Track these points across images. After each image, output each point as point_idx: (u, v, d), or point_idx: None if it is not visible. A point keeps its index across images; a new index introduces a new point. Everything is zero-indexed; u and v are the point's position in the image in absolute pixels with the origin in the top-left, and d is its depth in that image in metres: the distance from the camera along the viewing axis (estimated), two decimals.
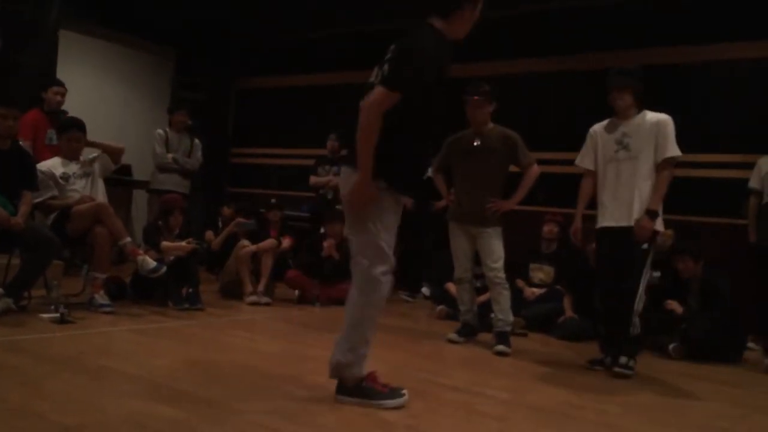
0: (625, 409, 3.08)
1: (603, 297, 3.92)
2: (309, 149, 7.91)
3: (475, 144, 4.38)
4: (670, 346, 4.52)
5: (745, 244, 5.33)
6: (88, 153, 4.97)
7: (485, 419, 2.72)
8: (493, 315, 4.32)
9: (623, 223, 3.77)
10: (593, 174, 3.99)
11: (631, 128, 3.82)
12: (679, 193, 6.02)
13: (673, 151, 3.72)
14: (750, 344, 4.91)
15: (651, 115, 3.82)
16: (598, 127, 4.01)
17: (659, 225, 3.77)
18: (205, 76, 8.61)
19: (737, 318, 4.65)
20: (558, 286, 5.40)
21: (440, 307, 5.57)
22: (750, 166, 5.40)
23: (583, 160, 4.06)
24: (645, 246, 3.74)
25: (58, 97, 5.65)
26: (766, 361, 4.35)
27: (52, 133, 5.55)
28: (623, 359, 3.76)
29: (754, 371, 4.31)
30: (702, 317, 4.57)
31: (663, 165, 3.74)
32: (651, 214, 3.70)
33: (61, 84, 5.77)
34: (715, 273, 4.80)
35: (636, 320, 3.77)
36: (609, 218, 3.85)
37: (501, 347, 4.16)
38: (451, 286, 5.32)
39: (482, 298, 4.82)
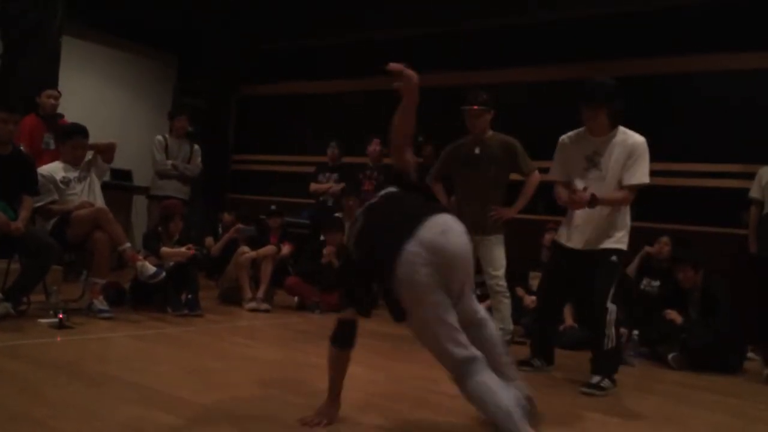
0: (626, 419, 3.07)
1: (543, 305, 3.88)
2: (309, 156, 7.92)
3: (475, 152, 4.38)
4: (670, 356, 4.50)
5: (746, 254, 5.33)
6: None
7: (485, 428, 2.71)
8: None
9: (579, 247, 3.61)
10: (564, 185, 3.75)
11: (604, 146, 3.55)
12: (679, 202, 6.05)
13: (643, 178, 3.48)
14: (750, 354, 4.90)
15: (626, 136, 3.54)
16: (567, 139, 3.74)
17: (623, 243, 3.57)
18: (206, 82, 8.64)
19: (737, 328, 4.64)
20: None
21: None
22: (750, 175, 5.41)
23: (554, 170, 3.80)
24: (614, 258, 3.53)
25: (52, 101, 5.63)
26: (766, 371, 4.34)
27: (48, 138, 5.55)
28: (596, 378, 3.48)
29: (754, 381, 4.29)
30: (702, 327, 4.56)
31: (629, 188, 3.49)
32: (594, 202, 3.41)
33: (54, 87, 5.76)
34: (716, 283, 4.79)
35: (610, 332, 3.48)
36: (566, 238, 3.68)
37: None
38: None
39: (482, 306, 4.80)
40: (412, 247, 2.21)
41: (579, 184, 3.59)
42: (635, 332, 4.97)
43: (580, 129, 3.67)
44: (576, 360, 4.45)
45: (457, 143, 4.52)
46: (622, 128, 3.57)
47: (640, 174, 3.47)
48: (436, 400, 3.08)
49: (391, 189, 2.62)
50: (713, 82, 6.03)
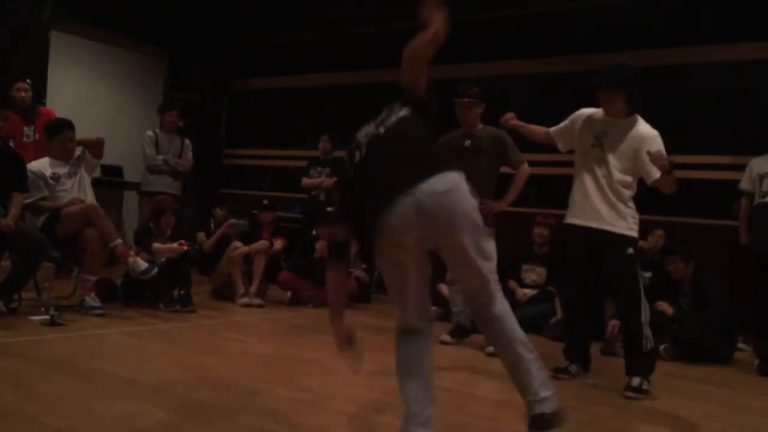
0: (618, 410, 3.09)
1: (573, 299, 3.73)
2: (301, 150, 7.90)
3: (465, 145, 4.38)
4: (661, 347, 4.52)
5: (736, 246, 5.36)
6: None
7: (477, 420, 2.72)
8: None
9: (594, 225, 3.51)
10: (549, 137, 3.80)
11: (615, 130, 3.51)
12: (670, 194, 6.06)
13: (656, 174, 3.36)
14: (741, 345, 4.93)
15: (642, 128, 3.48)
16: (585, 112, 3.68)
17: (635, 230, 3.54)
18: (197, 77, 8.59)
19: (728, 319, 4.67)
20: (550, 287, 5.41)
21: (432, 308, 5.56)
22: (741, 167, 5.43)
23: (557, 129, 3.80)
24: (630, 251, 3.50)
25: (22, 93, 5.51)
26: (757, 361, 4.37)
27: (28, 130, 5.49)
28: (636, 381, 3.39)
29: (745, 372, 4.33)
30: (693, 318, 4.59)
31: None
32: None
33: (24, 80, 5.65)
34: (706, 274, 4.82)
35: (648, 332, 3.43)
36: (579, 216, 3.59)
37: (493, 348, 4.15)
38: (443, 288, 5.32)
39: None
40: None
41: (584, 159, 3.60)
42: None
43: (600, 109, 3.62)
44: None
45: (448, 136, 4.52)
46: (639, 117, 3.52)
47: (655, 171, 3.36)
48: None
49: (404, 113, 2.49)
50: (704, 73, 6.04)
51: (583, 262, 3.59)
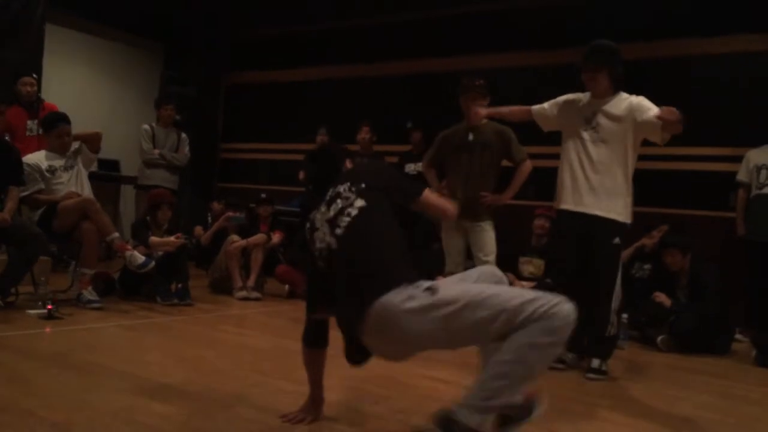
0: (615, 401, 3.09)
1: (566, 285, 3.56)
2: (299, 144, 7.88)
3: (469, 139, 4.38)
4: (659, 339, 4.54)
5: (733, 237, 5.36)
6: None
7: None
8: None
9: (586, 210, 3.53)
10: (529, 115, 3.83)
11: (604, 107, 3.53)
12: (667, 186, 6.07)
13: (654, 109, 3.39)
14: (738, 336, 4.95)
15: (626, 101, 3.52)
16: (569, 97, 3.72)
17: (627, 216, 3.56)
18: (194, 70, 8.55)
19: (725, 310, 4.68)
20: (548, 280, 5.41)
21: None
22: (738, 159, 5.43)
23: (539, 109, 3.82)
24: (617, 240, 3.53)
25: (28, 88, 5.58)
26: (754, 352, 4.38)
27: (32, 124, 5.50)
28: (596, 362, 3.56)
29: (742, 363, 4.34)
30: (690, 310, 4.59)
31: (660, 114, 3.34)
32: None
33: (29, 74, 5.69)
34: (704, 266, 4.82)
35: (614, 319, 3.59)
36: (571, 201, 3.60)
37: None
38: (440, 279, 5.32)
39: None
40: None
41: (575, 144, 3.61)
42: (624, 315, 5.00)
43: (587, 93, 3.66)
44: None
45: (451, 130, 4.51)
46: (624, 93, 3.56)
47: (653, 108, 3.41)
48: (425, 384, 3.09)
49: (362, 203, 2.28)
50: (701, 65, 6.04)
51: (575, 247, 3.60)
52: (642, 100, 3.50)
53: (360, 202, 2.25)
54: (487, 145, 4.33)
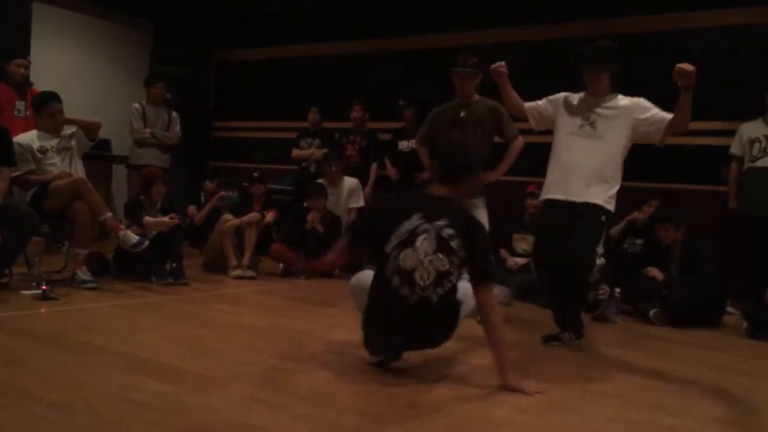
0: (608, 374, 3.13)
1: (547, 269, 3.71)
2: (291, 122, 7.85)
3: (461, 115, 4.36)
4: (651, 313, 4.58)
5: (726, 211, 5.39)
6: (65, 129, 4.88)
7: (469, 387, 2.75)
8: None
9: (576, 199, 3.56)
10: (522, 112, 3.86)
11: (602, 107, 3.61)
12: (659, 160, 6.09)
13: (662, 113, 3.52)
14: (730, 309, 4.99)
15: (625, 100, 3.62)
16: (563, 95, 3.78)
17: (612, 204, 3.58)
18: (184, 48, 8.47)
19: (718, 284, 4.72)
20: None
21: None
22: (730, 133, 5.44)
23: (532, 107, 3.84)
24: (603, 218, 3.56)
25: (21, 70, 5.58)
26: (745, 324, 4.43)
27: (20, 105, 5.48)
28: (566, 335, 3.68)
29: (733, 335, 4.39)
30: (683, 284, 4.63)
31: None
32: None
33: (24, 57, 5.68)
34: (697, 240, 4.86)
35: (590, 294, 3.72)
36: (558, 191, 3.65)
37: None
38: None
39: None
40: None
41: (568, 140, 3.65)
42: (617, 290, 5.04)
43: (581, 93, 3.72)
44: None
45: (444, 106, 4.50)
46: (620, 95, 3.64)
47: (660, 111, 3.52)
48: (420, 360, 3.12)
49: (457, 243, 2.77)
50: (693, 39, 6.01)
51: (563, 230, 3.58)
52: (642, 100, 3.59)
53: (460, 279, 2.73)
54: (480, 121, 4.33)
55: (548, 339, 3.70)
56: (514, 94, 3.91)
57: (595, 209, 3.55)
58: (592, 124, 3.61)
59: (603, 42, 3.70)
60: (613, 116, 3.58)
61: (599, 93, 3.64)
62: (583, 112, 3.66)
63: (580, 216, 3.54)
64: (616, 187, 3.60)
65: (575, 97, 3.75)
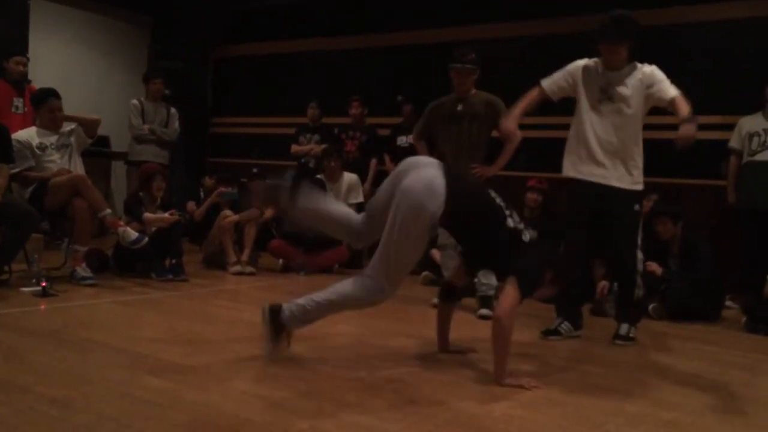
0: (607, 369, 3.13)
1: (572, 259, 3.68)
2: (290, 117, 7.84)
3: (458, 109, 4.36)
4: (650, 307, 4.58)
5: (724, 205, 5.39)
6: (65, 126, 4.88)
7: (469, 381, 2.76)
8: (476, 280, 4.35)
9: (602, 181, 3.56)
10: (543, 94, 3.72)
11: (619, 79, 3.56)
12: (658, 155, 6.07)
13: (673, 90, 3.47)
14: (728, 303, 5.00)
15: (639, 68, 3.57)
16: (580, 64, 3.68)
17: (641, 183, 3.62)
18: (182, 44, 8.45)
19: (717, 278, 4.72)
20: None
21: (424, 273, 5.60)
22: (729, 127, 5.44)
23: (548, 81, 3.71)
24: (637, 207, 3.61)
25: (20, 68, 5.59)
26: (744, 319, 4.44)
27: (18, 101, 5.48)
28: (624, 328, 3.66)
29: (732, 329, 4.39)
30: (681, 278, 4.63)
31: (678, 97, 3.44)
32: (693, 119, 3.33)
33: (23, 54, 5.69)
34: (695, 234, 4.86)
35: (639, 280, 3.67)
36: (585, 171, 3.61)
37: (484, 311, 4.20)
38: (435, 252, 5.34)
39: None
40: None
41: (589, 115, 3.59)
42: (616, 284, 5.04)
43: (597, 60, 3.65)
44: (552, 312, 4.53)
45: (441, 100, 4.50)
46: (637, 63, 3.60)
47: (672, 87, 3.50)
48: (419, 354, 3.12)
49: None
50: (692, 33, 6.01)
51: (587, 221, 3.62)
52: (654, 71, 3.55)
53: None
54: (477, 115, 4.33)
55: (547, 333, 3.71)
56: (521, 106, 3.76)
57: (628, 196, 3.57)
58: (610, 98, 3.57)
59: (622, 12, 3.59)
60: (631, 87, 3.55)
61: (615, 65, 3.58)
62: (602, 85, 3.60)
63: (613, 209, 3.56)
64: (641, 161, 3.62)
65: (594, 67, 3.66)
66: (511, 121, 3.67)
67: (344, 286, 2.79)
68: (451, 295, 3.16)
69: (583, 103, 3.65)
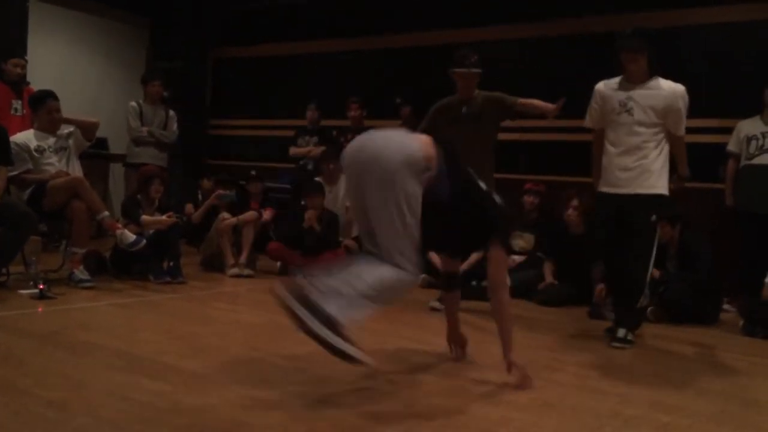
0: (605, 371, 3.13)
1: (612, 264, 3.88)
2: (289, 120, 7.84)
3: (462, 111, 4.38)
4: (648, 309, 4.57)
5: (722, 208, 5.39)
6: (63, 128, 4.88)
7: (466, 383, 2.76)
8: (474, 282, 4.35)
9: (621, 191, 3.68)
10: (600, 133, 3.88)
11: (640, 93, 3.67)
12: None
13: (682, 130, 3.70)
14: (726, 306, 5.00)
15: (665, 84, 3.68)
16: (602, 85, 3.84)
17: (665, 188, 3.73)
18: (181, 45, 8.45)
19: (714, 281, 4.73)
20: (539, 253, 5.45)
21: (422, 275, 5.59)
22: (727, 130, 5.44)
23: (589, 119, 3.93)
24: (654, 218, 3.68)
25: (18, 69, 5.59)
26: (742, 321, 4.44)
27: (17, 104, 5.49)
28: (622, 332, 3.69)
29: (730, 332, 4.39)
30: (679, 281, 4.64)
31: (677, 139, 3.72)
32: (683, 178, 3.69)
33: (21, 56, 5.70)
34: (693, 237, 4.86)
35: (647, 291, 3.74)
36: (608, 184, 3.77)
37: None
38: (434, 255, 5.33)
39: (464, 266, 4.84)
40: None
41: (609, 128, 3.72)
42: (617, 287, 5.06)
43: (617, 77, 3.77)
44: (556, 315, 4.54)
45: (445, 101, 4.50)
46: (660, 78, 3.69)
47: (681, 126, 3.67)
48: (417, 357, 3.12)
49: None
50: (690, 36, 6.01)
51: (612, 226, 3.75)
52: (676, 97, 3.66)
53: None
54: (480, 114, 4.34)
55: (611, 336, 3.76)
56: (597, 156, 3.94)
57: (647, 202, 3.65)
58: (629, 111, 3.66)
59: (640, 26, 3.79)
60: (650, 100, 3.63)
61: (636, 77, 3.67)
62: (621, 98, 3.70)
63: (632, 213, 3.65)
64: (666, 170, 3.72)
65: (612, 83, 3.78)
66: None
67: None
68: (452, 283, 3.17)
69: (605, 119, 3.78)
